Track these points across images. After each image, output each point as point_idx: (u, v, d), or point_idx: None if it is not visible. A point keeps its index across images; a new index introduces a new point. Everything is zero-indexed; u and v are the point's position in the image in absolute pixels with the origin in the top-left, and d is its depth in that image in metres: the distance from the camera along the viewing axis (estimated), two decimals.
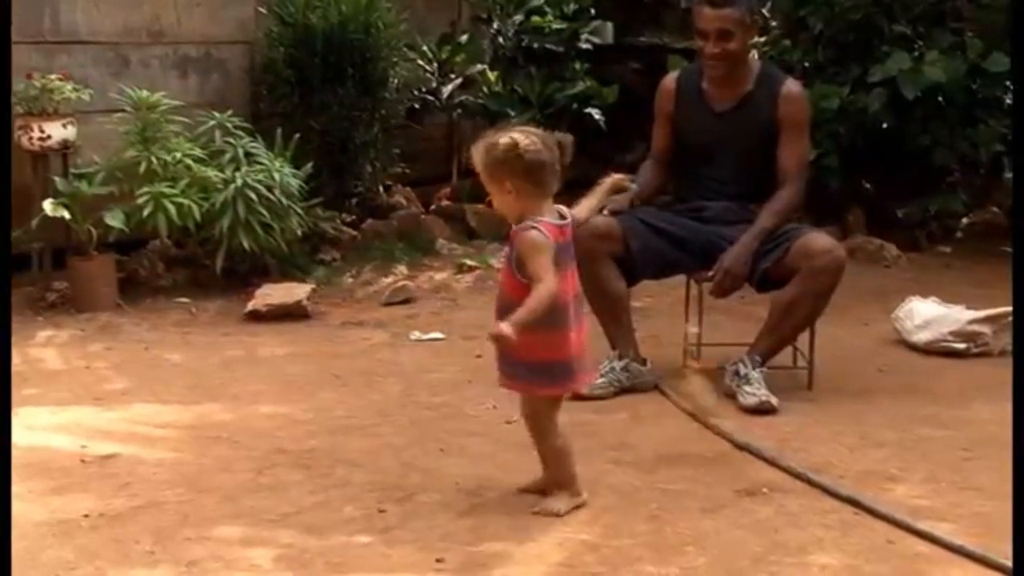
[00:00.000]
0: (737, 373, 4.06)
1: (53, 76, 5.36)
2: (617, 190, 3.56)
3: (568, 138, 3.05)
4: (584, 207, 3.25)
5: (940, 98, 6.48)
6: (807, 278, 4.01)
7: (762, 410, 3.93)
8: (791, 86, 4.26)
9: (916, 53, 6.43)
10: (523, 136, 2.97)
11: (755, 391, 3.98)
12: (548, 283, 2.88)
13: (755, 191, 4.20)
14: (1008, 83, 6.75)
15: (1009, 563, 2.73)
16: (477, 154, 3.02)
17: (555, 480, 3.13)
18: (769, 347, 4.13)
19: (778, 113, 4.19)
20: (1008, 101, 6.88)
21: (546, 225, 2.95)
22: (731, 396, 4.04)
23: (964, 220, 7.18)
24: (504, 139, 2.96)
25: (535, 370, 3.03)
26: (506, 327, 2.82)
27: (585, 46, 7.54)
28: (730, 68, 4.19)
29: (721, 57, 4.15)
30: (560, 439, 3.12)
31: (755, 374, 4.04)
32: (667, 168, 4.42)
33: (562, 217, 3.04)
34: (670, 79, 4.43)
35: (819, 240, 4.09)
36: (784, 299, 4.07)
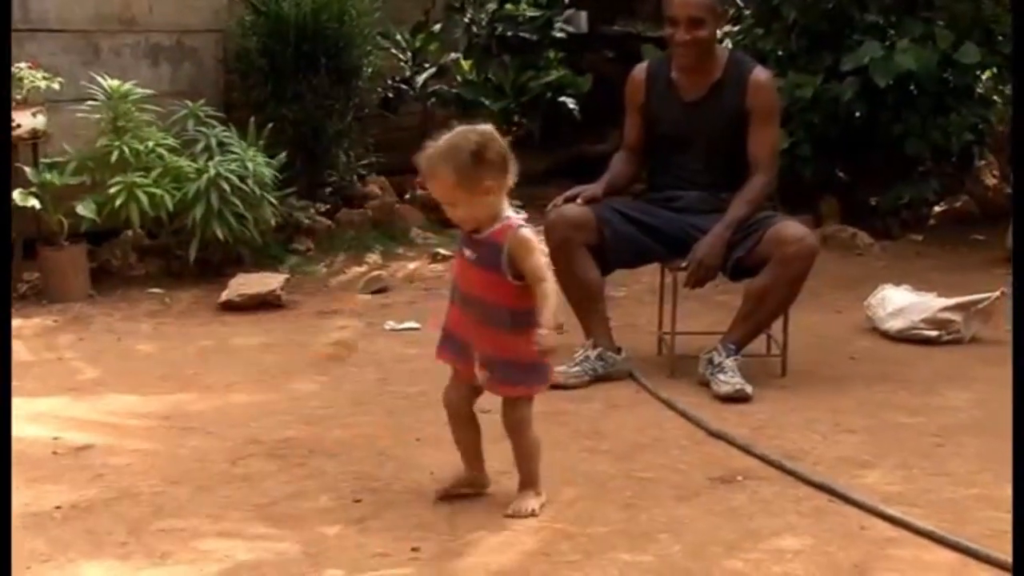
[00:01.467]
0: (711, 361, 4.08)
1: (22, 64, 5.32)
2: None
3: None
4: None
5: (912, 87, 6.52)
6: (779, 266, 4.03)
7: (736, 398, 3.95)
8: (759, 74, 4.27)
9: (887, 42, 6.46)
10: (487, 130, 2.92)
11: (729, 379, 3.99)
12: (552, 279, 2.86)
13: (727, 180, 4.21)
14: (979, 73, 6.82)
15: (978, 547, 2.77)
16: (443, 160, 2.86)
17: (526, 479, 3.08)
18: (743, 335, 4.14)
19: (747, 101, 4.20)
20: (979, 91, 6.95)
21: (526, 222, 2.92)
22: (705, 384, 4.06)
23: (936, 208, 7.23)
24: (475, 136, 2.88)
25: (530, 369, 2.98)
26: (549, 334, 2.80)
27: (559, 35, 7.54)
28: (700, 56, 4.19)
29: (691, 45, 4.15)
30: (535, 433, 3.09)
31: (729, 362, 4.05)
32: (640, 158, 4.43)
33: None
34: (640, 70, 4.43)
35: (791, 228, 4.11)
36: (757, 287, 4.09)
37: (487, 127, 2.95)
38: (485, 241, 2.92)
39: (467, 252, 2.97)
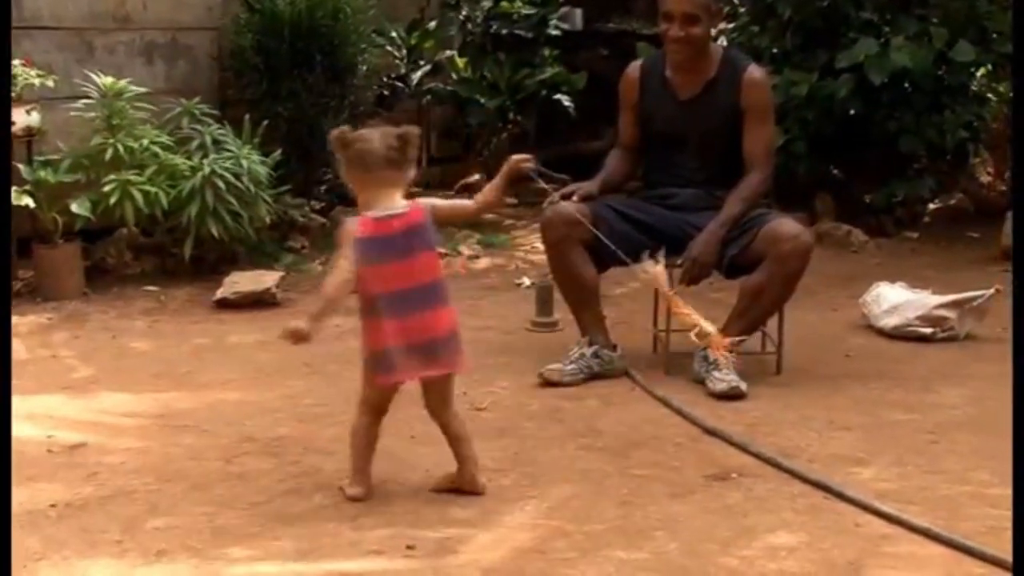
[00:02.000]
0: (706, 359, 4.08)
1: (16, 62, 5.30)
2: (518, 171, 3.45)
3: (413, 130, 3.10)
4: (485, 191, 3.32)
5: (907, 85, 6.53)
6: (775, 263, 4.03)
7: (731, 395, 3.95)
8: (753, 72, 4.27)
9: (882, 40, 6.47)
10: (356, 130, 3.09)
11: (724, 376, 3.99)
12: (334, 274, 3.00)
13: (722, 177, 4.21)
14: (973, 70, 6.83)
15: (972, 544, 2.77)
16: None
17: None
18: (738, 333, 4.14)
19: (741, 99, 4.20)
20: (974, 88, 6.96)
21: (363, 218, 3.03)
22: (700, 382, 4.06)
23: (931, 205, 7.25)
24: (343, 132, 3.08)
25: (366, 359, 3.12)
26: (300, 321, 2.96)
27: (554, 32, 7.54)
28: (693, 54, 4.19)
29: (685, 42, 4.15)
30: (360, 424, 3.14)
31: (724, 360, 4.05)
32: (635, 156, 4.43)
33: (399, 209, 3.04)
34: (634, 68, 4.43)
35: (786, 225, 4.11)
36: (752, 285, 4.09)
37: (381, 129, 3.09)
38: None
39: None
